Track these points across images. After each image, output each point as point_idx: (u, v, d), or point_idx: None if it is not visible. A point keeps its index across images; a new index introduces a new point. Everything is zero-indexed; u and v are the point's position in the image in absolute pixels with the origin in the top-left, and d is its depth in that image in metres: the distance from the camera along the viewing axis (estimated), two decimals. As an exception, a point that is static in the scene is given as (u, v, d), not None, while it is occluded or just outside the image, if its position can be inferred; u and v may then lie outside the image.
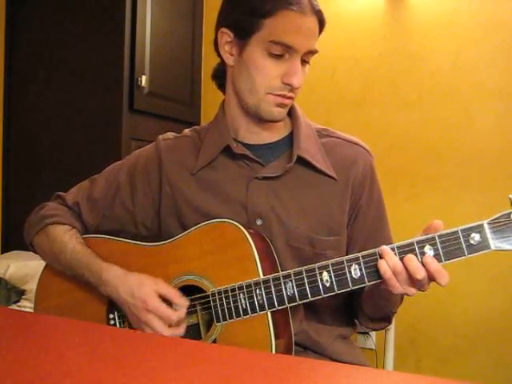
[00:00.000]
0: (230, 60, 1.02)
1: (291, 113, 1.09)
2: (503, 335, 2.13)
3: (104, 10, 2.17)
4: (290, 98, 0.99)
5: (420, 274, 0.83)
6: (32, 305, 1.18)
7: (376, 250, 0.87)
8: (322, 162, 1.04)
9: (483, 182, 2.13)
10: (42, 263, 1.16)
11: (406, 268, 0.84)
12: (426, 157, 2.27)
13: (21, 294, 1.97)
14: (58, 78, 2.26)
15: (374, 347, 1.28)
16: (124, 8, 2.12)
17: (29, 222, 1.16)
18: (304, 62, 0.99)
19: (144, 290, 0.96)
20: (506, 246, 0.82)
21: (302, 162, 1.03)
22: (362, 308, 1.05)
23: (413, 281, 0.85)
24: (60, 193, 1.18)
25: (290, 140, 1.06)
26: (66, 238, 1.08)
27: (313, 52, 0.98)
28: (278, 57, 0.95)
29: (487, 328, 2.16)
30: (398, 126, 2.32)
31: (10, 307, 1.85)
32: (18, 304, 1.94)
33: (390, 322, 1.10)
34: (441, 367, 2.23)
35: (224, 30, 1.00)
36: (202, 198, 1.04)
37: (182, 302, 0.96)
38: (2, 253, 2.33)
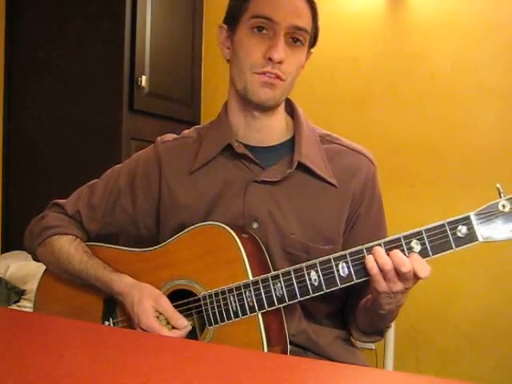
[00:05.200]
0: (227, 54, 1.04)
1: (294, 116, 1.08)
2: (503, 335, 2.13)
3: (104, 10, 2.17)
4: (277, 77, 0.96)
5: (405, 266, 0.82)
6: (32, 304, 1.18)
7: (363, 247, 0.86)
8: (322, 169, 1.02)
9: (483, 181, 2.13)
10: (42, 264, 1.16)
11: (391, 261, 0.83)
12: (426, 157, 2.27)
13: (21, 293, 1.97)
14: (58, 78, 2.26)
15: (373, 347, 1.28)
16: (124, 8, 2.12)
17: (30, 232, 1.15)
18: (295, 41, 0.97)
19: (141, 307, 0.96)
20: (493, 236, 0.81)
21: (303, 167, 1.01)
22: (356, 323, 1.05)
23: (398, 274, 0.84)
24: (58, 201, 1.16)
25: (291, 144, 1.05)
26: (72, 249, 1.08)
27: (300, 29, 0.96)
28: (262, 34, 0.95)
29: (487, 328, 2.16)
30: (398, 126, 2.32)
31: (10, 307, 1.85)
32: (18, 304, 1.94)
33: (382, 336, 1.10)
34: (441, 367, 2.23)
35: (222, 25, 1.03)
36: (200, 200, 1.04)
37: (180, 323, 0.96)
38: (2, 253, 2.33)
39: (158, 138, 1.14)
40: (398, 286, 0.85)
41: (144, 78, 2.18)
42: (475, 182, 2.16)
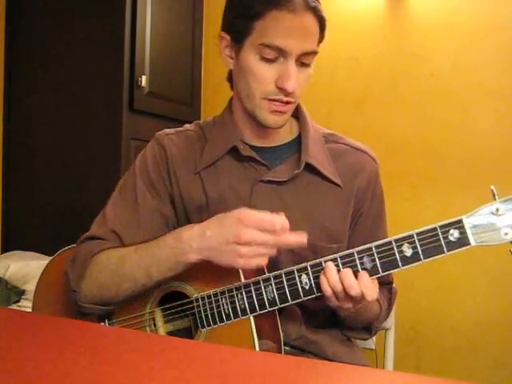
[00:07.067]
0: (230, 64, 1.00)
1: (298, 116, 1.07)
2: (503, 335, 2.13)
3: (104, 11, 2.17)
4: (287, 103, 0.95)
5: (354, 290, 0.84)
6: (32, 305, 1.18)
7: (354, 250, 0.86)
8: (328, 169, 1.03)
9: (483, 182, 2.12)
10: (43, 263, 1.15)
11: (341, 283, 0.85)
12: (426, 157, 2.27)
13: (21, 294, 1.96)
14: (58, 78, 2.26)
15: (373, 347, 1.28)
16: (124, 8, 2.12)
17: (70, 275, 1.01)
18: (303, 64, 0.95)
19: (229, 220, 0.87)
20: (486, 240, 0.79)
21: (309, 168, 1.01)
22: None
23: (348, 296, 0.86)
24: (88, 234, 1.05)
25: (296, 144, 1.05)
26: (119, 251, 0.99)
27: (311, 53, 0.93)
28: (272, 60, 0.92)
29: (487, 328, 2.16)
30: (398, 127, 2.32)
31: (10, 307, 1.85)
32: (18, 304, 1.94)
33: (370, 334, 1.09)
34: (441, 367, 2.23)
35: (222, 34, 0.99)
36: (205, 198, 1.03)
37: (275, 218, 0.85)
38: (2, 253, 2.33)
39: (158, 133, 1.10)
40: (349, 305, 0.88)
41: (144, 78, 2.18)
42: (475, 183, 2.16)
